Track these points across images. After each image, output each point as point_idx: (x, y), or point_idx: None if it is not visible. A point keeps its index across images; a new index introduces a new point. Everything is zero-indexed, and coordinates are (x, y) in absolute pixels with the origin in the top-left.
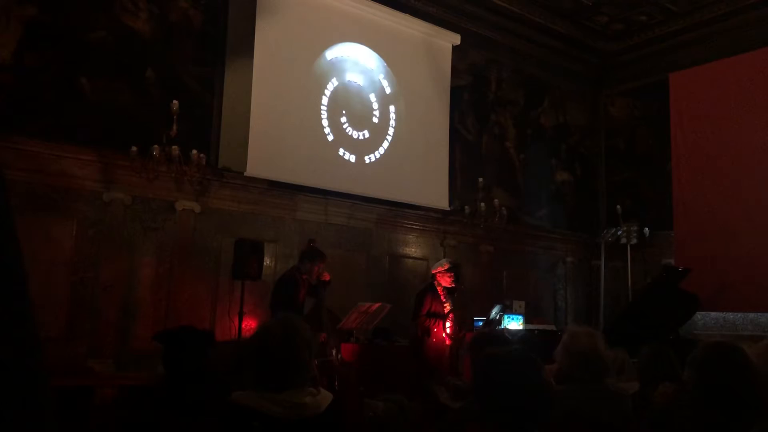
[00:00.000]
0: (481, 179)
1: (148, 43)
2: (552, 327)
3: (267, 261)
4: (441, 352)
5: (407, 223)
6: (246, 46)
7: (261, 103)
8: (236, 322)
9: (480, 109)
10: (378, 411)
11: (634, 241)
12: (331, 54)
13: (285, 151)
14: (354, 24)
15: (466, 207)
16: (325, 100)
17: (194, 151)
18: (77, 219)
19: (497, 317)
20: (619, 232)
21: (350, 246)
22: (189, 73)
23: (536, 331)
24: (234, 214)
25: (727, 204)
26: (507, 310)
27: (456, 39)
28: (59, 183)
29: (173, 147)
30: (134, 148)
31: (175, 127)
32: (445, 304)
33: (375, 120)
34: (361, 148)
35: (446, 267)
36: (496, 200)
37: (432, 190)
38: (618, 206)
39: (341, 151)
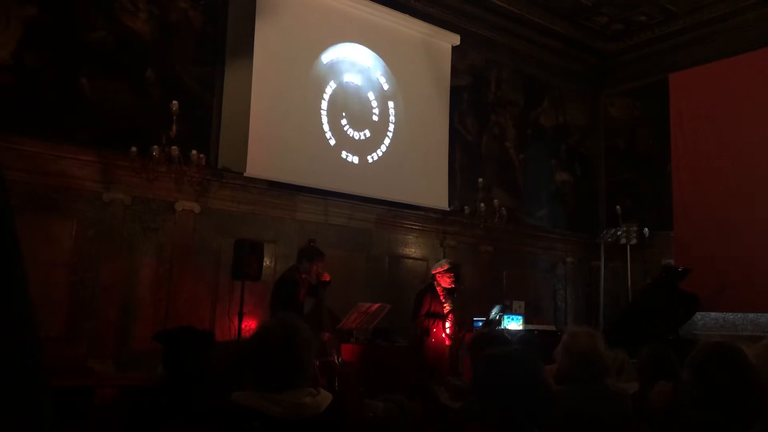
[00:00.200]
0: (480, 179)
1: (147, 44)
2: (552, 327)
3: (267, 261)
4: (440, 353)
5: (407, 224)
6: (246, 47)
7: (261, 103)
8: (236, 323)
9: (480, 109)
10: (378, 411)
11: (633, 241)
12: (329, 56)
13: (285, 151)
14: (354, 24)
15: (466, 207)
16: (324, 104)
17: (194, 152)
18: (77, 219)
19: (497, 317)
20: (619, 233)
21: (350, 246)
22: (189, 73)
23: (536, 332)
24: (234, 214)
25: (727, 204)
26: (507, 310)
27: (456, 39)
28: (59, 183)
29: (173, 147)
30: (134, 149)
31: (174, 128)
32: (445, 305)
33: (375, 118)
34: (362, 148)
35: (446, 267)
36: (495, 200)
37: (432, 190)
38: (618, 206)
39: (344, 154)
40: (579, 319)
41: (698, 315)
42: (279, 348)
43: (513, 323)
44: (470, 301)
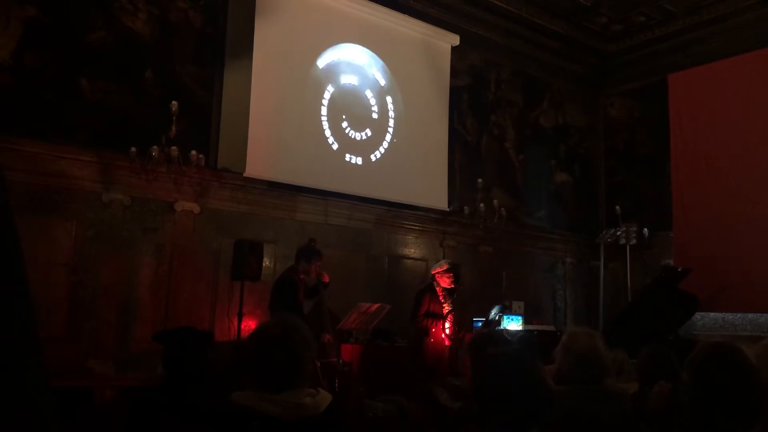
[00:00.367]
0: (480, 180)
1: (147, 44)
2: (551, 328)
3: (266, 262)
4: (440, 353)
5: (407, 224)
6: (245, 47)
7: (260, 103)
8: (235, 323)
9: (479, 109)
10: (378, 412)
11: (633, 241)
12: (328, 56)
13: (284, 151)
14: (353, 25)
15: (466, 208)
16: (324, 106)
17: (193, 152)
18: (77, 220)
19: (496, 318)
20: (618, 233)
21: (350, 246)
22: (188, 73)
23: (535, 332)
24: (233, 214)
25: (727, 204)
26: (506, 310)
27: (455, 40)
28: (59, 184)
29: (172, 148)
30: (133, 149)
31: (174, 128)
32: (444, 305)
33: (374, 116)
34: (364, 148)
35: (445, 268)
36: (495, 201)
37: (431, 190)
38: (617, 207)
39: (347, 157)
40: (578, 319)
41: (698, 315)
42: (278, 348)
43: (512, 323)
44: (470, 301)
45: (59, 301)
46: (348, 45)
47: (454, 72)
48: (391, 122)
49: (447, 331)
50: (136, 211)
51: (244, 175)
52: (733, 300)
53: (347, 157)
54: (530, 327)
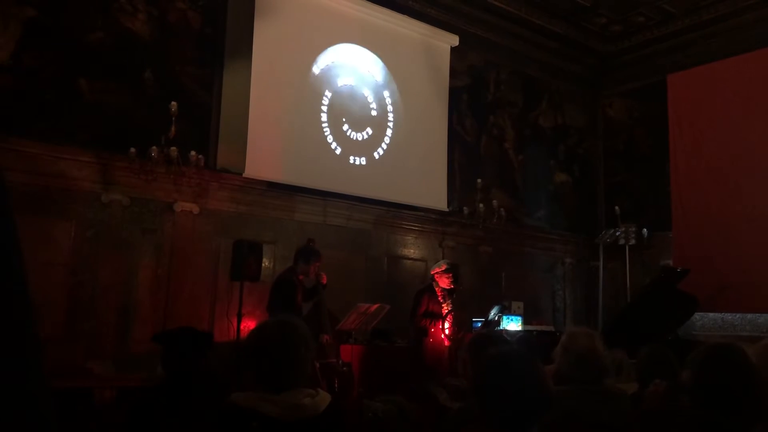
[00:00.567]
0: (479, 180)
1: (146, 45)
2: (551, 328)
3: (266, 262)
4: (440, 353)
5: (406, 224)
6: (244, 47)
7: (259, 103)
8: (235, 324)
9: (478, 110)
10: (377, 412)
11: (632, 242)
12: (327, 57)
13: (283, 152)
14: (353, 25)
15: (465, 208)
16: (324, 108)
17: (193, 153)
18: (76, 220)
19: (496, 318)
20: (617, 233)
21: (349, 247)
22: (187, 74)
23: (535, 332)
24: (232, 215)
25: (726, 205)
26: (506, 311)
27: (454, 40)
28: (58, 184)
29: (172, 148)
30: (133, 150)
31: (173, 128)
32: (443, 305)
33: (373, 113)
34: (365, 148)
35: (444, 268)
36: (494, 201)
37: (431, 191)
38: (616, 207)
39: (351, 159)
40: (578, 319)
41: (697, 315)
42: (277, 348)
43: (512, 324)
44: (469, 301)
45: (58, 301)
46: (347, 45)
47: (454, 72)
48: (391, 122)
49: (446, 332)
50: (135, 212)
51: (244, 175)
52: (732, 300)
53: (351, 159)
54: (529, 327)
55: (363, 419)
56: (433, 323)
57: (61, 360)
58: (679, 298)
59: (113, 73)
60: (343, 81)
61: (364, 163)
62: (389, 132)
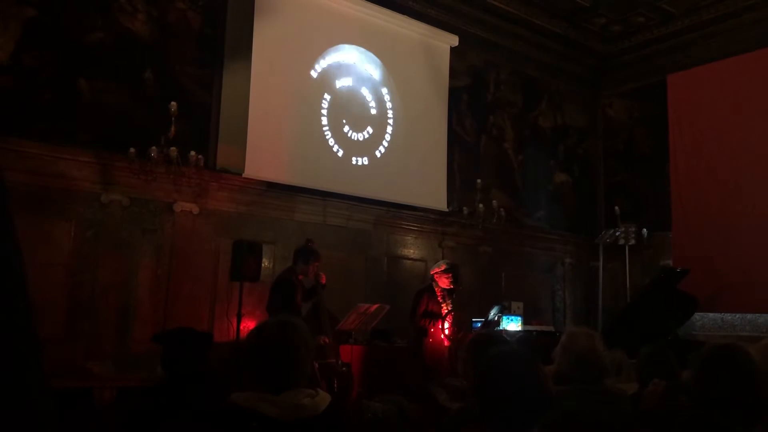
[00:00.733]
0: (479, 180)
1: (146, 45)
2: (550, 328)
3: (265, 262)
4: (439, 353)
5: (406, 225)
6: (244, 48)
7: (259, 104)
8: (234, 324)
9: (478, 110)
10: (377, 412)
11: (632, 242)
12: (327, 59)
13: (283, 152)
14: (352, 26)
15: (465, 208)
16: (324, 110)
17: (192, 153)
18: (75, 220)
19: (496, 318)
20: (617, 233)
21: (349, 247)
22: (187, 74)
23: (535, 332)
24: (232, 215)
25: (726, 205)
26: (505, 311)
27: (454, 40)
28: (57, 184)
29: (171, 148)
30: (132, 150)
31: (173, 129)
32: (443, 305)
33: (373, 111)
34: (367, 148)
35: (443, 268)
36: (494, 201)
37: (430, 191)
38: (616, 207)
39: (354, 160)
40: (577, 319)
41: (697, 316)
42: (277, 347)
43: (512, 324)
44: (469, 301)
45: (58, 301)
46: (347, 46)
47: (453, 73)
48: (390, 118)
49: (446, 332)
50: (135, 212)
51: (243, 175)
52: (732, 300)
53: (354, 160)
54: (529, 327)
55: (363, 419)
56: (432, 323)
57: (61, 360)
58: (679, 298)
59: (113, 73)
60: (341, 82)
61: (366, 162)
62: (389, 129)
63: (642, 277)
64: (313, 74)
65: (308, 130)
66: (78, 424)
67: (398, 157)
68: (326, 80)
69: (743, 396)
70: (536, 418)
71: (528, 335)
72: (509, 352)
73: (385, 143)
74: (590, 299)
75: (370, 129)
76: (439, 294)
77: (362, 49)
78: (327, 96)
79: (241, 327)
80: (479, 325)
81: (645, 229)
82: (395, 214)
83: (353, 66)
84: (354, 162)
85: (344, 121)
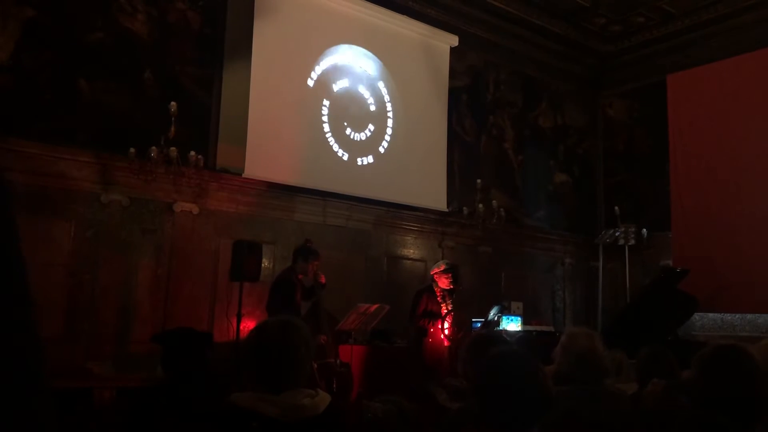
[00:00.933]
0: (479, 180)
1: (146, 45)
2: (550, 328)
3: (265, 262)
4: (439, 353)
5: (405, 225)
6: (244, 48)
7: (259, 104)
8: (234, 324)
9: (478, 110)
10: (377, 412)
11: (632, 242)
12: (327, 59)
13: (283, 152)
14: (352, 26)
15: (465, 208)
16: (324, 110)
17: (192, 153)
18: (75, 220)
19: (495, 318)
20: (617, 234)
21: (348, 247)
22: (187, 74)
23: (534, 333)
24: (232, 215)
25: (725, 205)
26: (505, 311)
27: (454, 40)
28: (57, 184)
29: (171, 148)
30: (132, 150)
31: (173, 129)
32: (443, 305)
33: (372, 108)
34: (369, 147)
35: (443, 268)
36: (494, 201)
37: (430, 191)
38: (616, 207)
39: (359, 161)
40: (577, 319)
41: (696, 316)
42: (277, 347)
43: (512, 324)
44: (469, 301)
45: (58, 301)
46: (347, 46)
47: (453, 73)
48: (390, 111)
49: (446, 332)
50: (134, 212)
51: (243, 176)
52: (732, 300)
53: (359, 161)
54: (529, 327)
55: (363, 419)
56: (431, 323)
57: (61, 360)
58: (678, 299)
59: (113, 73)
60: (338, 85)
61: (371, 161)
62: (390, 122)
63: (642, 277)
64: (310, 83)
65: (308, 129)
66: (78, 424)
67: (398, 157)
68: (323, 86)
69: (743, 396)
70: (536, 418)
71: (528, 335)
72: (509, 352)
73: (387, 137)
74: (590, 299)
75: (371, 126)
76: (438, 294)
77: (362, 50)
78: (326, 102)
79: (241, 327)
80: (479, 325)
81: (645, 229)
82: (395, 214)
83: (348, 66)
84: (359, 162)
85: (345, 123)
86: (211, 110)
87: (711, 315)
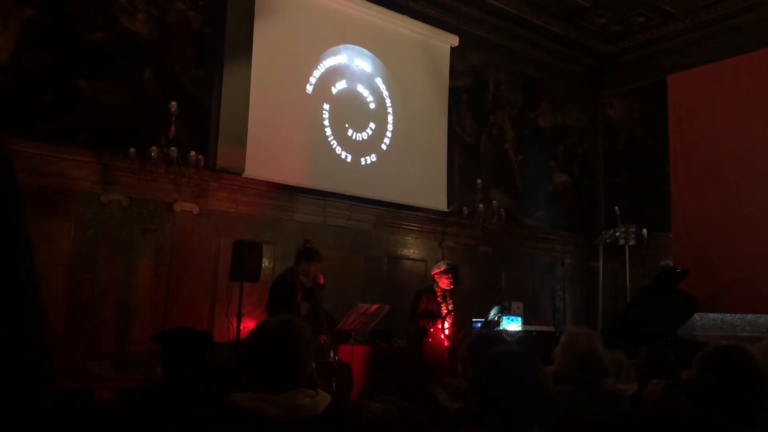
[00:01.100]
0: (479, 180)
1: (146, 45)
2: (550, 328)
3: (265, 262)
4: (439, 353)
5: (406, 225)
6: (244, 48)
7: (259, 104)
8: (234, 324)
9: (478, 110)
10: (377, 412)
11: (632, 242)
12: (327, 59)
13: (283, 152)
14: (353, 26)
15: (465, 208)
16: (325, 111)
17: (192, 153)
18: (75, 220)
19: (496, 318)
20: (617, 234)
21: (349, 247)
22: (187, 74)
23: (535, 333)
24: (232, 215)
25: (725, 205)
26: (505, 311)
27: (454, 40)
28: (57, 184)
29: (171, 148)
30: (132, 150)
31: (173, 129)
32: (443, 305)
33: (372, 105)
34: (371, 146)
35: (443, 268)
36: (494, 201)
37: (430, 191)
38: (616, 207)
39: (363, 161)
40: (577, 320)
41: (697, 316)
42: (277, 347)
43: (512, 324)
44: (469, 301)
45: (58, 302)
46: (347, 46)
47: (453, 73)
48: (390, 106)
49: (446, 332)
50: (134, 212)
51: (243, 175)
52: (732, 301)
53: (363, 161)
54: (529, 328)
55: (363, 419)
56: (431, 323)
57: (61, 360)
58: (678, 299)
59: (113, 73)
60: (337, 87)
61: (375, 159)
62: (390, 119)
63: (642, 277)
64: (311, 82)
65: (308, 129)
66: (78, 424)
67: (398, 157)
68: (323, 90)
69: (743, 396)
70: (536, 418)
71: (528, 335)
72: (509, 352)
73: (388, 133)
74: (590, 299)
75: (372, 125)
76: (439, 294)
77: (362, 50)
78: (326, 105)
79: (241, 327)
80: (479, 325)
81: (645, 230)
82: (395, 214)
83: (346, 66)
84: (363, 162)
85: (347, 125)
86: (211, 110)
87: (711, 315)
